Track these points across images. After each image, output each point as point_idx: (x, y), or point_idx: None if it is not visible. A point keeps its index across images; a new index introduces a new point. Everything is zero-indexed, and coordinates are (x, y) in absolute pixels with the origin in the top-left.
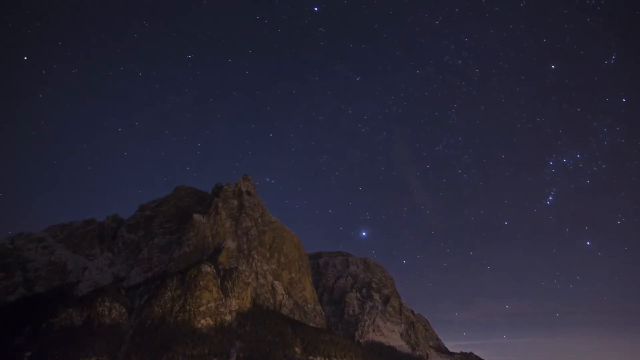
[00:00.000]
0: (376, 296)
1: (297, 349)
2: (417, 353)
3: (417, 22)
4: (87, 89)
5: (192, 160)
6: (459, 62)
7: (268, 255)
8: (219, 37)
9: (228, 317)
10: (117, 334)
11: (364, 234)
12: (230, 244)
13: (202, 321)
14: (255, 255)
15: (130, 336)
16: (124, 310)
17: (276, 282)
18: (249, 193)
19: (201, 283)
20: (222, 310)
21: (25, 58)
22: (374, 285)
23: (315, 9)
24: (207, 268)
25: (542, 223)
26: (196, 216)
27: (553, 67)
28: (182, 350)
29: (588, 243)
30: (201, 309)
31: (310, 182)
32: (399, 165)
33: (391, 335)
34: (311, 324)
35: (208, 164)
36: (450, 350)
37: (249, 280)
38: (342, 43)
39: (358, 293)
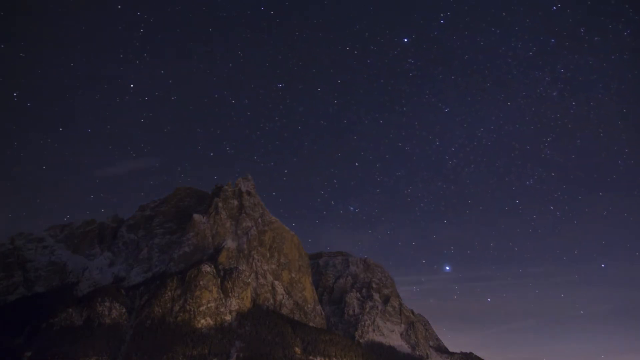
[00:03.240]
0: (376, 296)
1: (297, 349)
2: (417, 353)
3: (509, 53)
4: (184, 115)
5: (278, 188)
6: (554, 93)
7: (268, 255)
8: (309, 67)
9: (228, 317)
10: (117, 334)
11: (447, 268)
12: (230, 244)
13: (202, 321)
14: (255, 255)
15: (130, 336)
16: (124, 310)
17: (276, 282)
18: (249, 193)
19: (201, 283)
20: (222, 310)
21: (132, 86)
22: (374, 285)
23: (405, 40)
24: (207, 268)
25: None
26: (196, 216)
27: None
28: (182, 350)
29: None
30: (201, 309)
31: (394, 213)
32: (487, 199)
33: (391, 335)
34: (311, 324)
35: (294, 191)
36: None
37: (249, 280)
38: (431, 74)
39: (358, 293)
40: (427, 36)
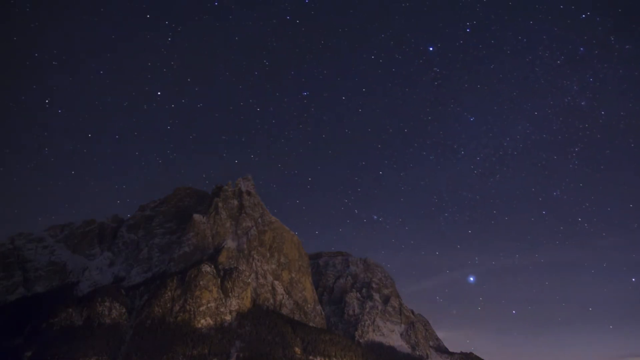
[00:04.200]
0: (376, 296)
1: (297, 349)
2: (417, 353)
3: (537, 62)
4: (209, 122)
5: (302, 195)
6: (582, 103)
7: (268, 255)
8: (334, 75)
9: (228, 317)
10: (117, 334)
11: (471, 279)
12: (230, 244)
13: (202, 321)
14: (255, 255)
15: (130, 336)
16: (124, 310)
17: (276, 282)
18: (248, 193)
19: (201, 283)
20: (222, 310)
21: (159, 93)
22: (374, 285)
23: (431, 48)
24: (207, 268)
25: None
26: (196, 216)
27: None
28: (182, 350)
29: None
30: (201, 309)
31: (417, 223)
32: (512, 210)
33: (391, 335)
34: (311, 324)
35: (317, 199)
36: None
37: (249, 280)
38: (456, 83)
39: (358, 293)
40: (453, 45)
